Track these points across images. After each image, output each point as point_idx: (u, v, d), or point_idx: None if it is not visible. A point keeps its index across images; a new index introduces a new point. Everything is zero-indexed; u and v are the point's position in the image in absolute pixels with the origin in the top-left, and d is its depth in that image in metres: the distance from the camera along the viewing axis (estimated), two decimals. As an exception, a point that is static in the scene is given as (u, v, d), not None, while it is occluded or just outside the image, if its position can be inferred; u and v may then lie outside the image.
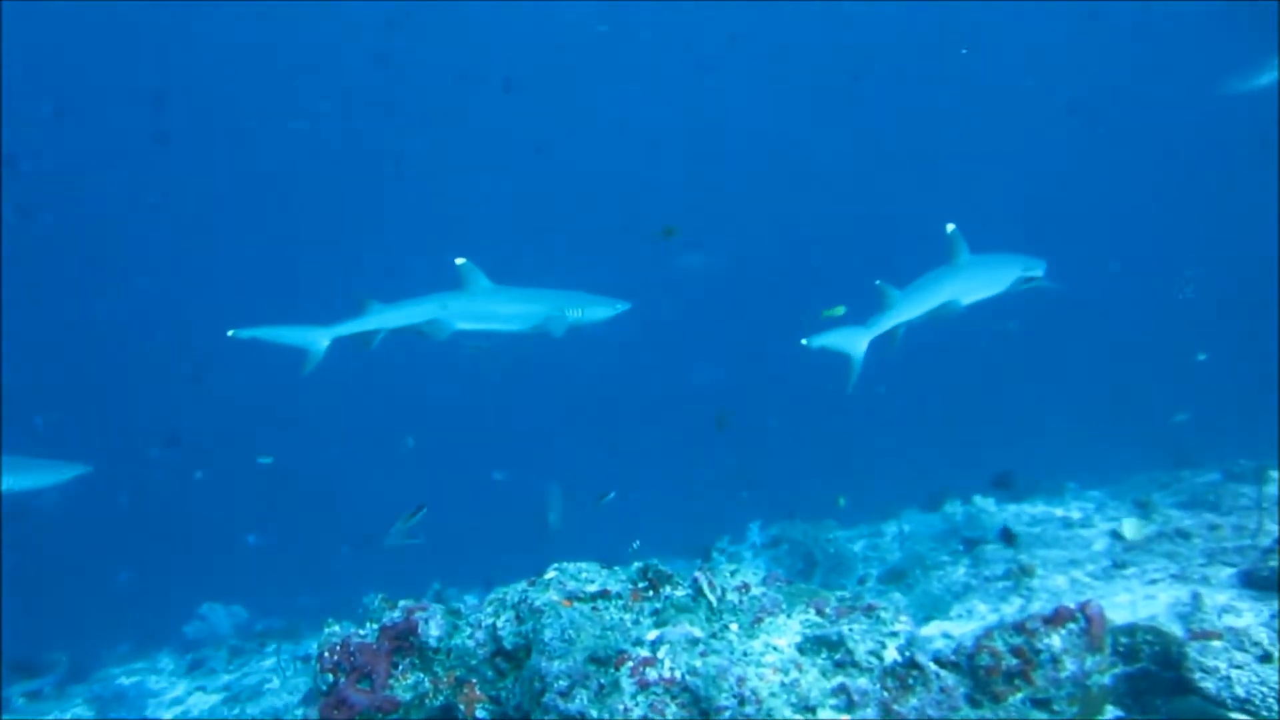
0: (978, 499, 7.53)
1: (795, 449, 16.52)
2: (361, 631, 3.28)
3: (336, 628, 3.31)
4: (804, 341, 6.55)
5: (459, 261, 7.51)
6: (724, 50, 24.61)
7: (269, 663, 7.46)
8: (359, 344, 7.30)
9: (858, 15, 24.21)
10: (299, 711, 5.68)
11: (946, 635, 4.82)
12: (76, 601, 12.45)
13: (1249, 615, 3.69)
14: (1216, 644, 2.91)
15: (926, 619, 5.22)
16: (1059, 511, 7.49)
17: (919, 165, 24.45)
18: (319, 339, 7.16)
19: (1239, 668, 2.84)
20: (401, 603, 3.38)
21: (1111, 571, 5.24)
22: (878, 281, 6.84)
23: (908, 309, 6.74)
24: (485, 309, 7.40)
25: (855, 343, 6.60)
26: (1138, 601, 4.47)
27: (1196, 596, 3.77)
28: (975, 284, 7.04)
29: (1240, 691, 2.83)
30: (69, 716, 6.58)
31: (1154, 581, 4.76)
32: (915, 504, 8.71)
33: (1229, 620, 3.20)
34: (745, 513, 9.48)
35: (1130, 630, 3.08)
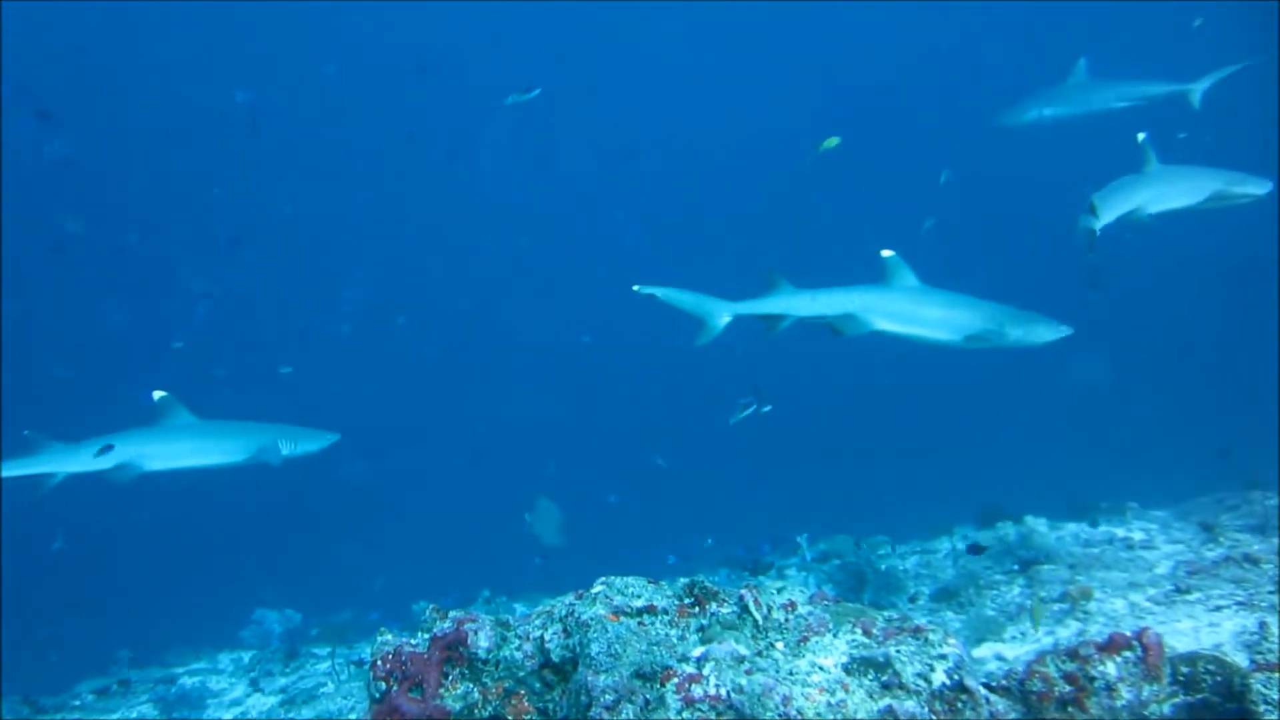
0: (1029, 518, 7.35)
1: (849, 461, 16.34)
2: (413, 641, 3.38)
3: (389, 636, 3.41)
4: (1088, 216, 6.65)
5: (886, 254, 6.78)
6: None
7: (324, 665, 7.68)
8: (764, 326, 6.73)
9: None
10: (353, 716, 5.84)
11: (999, 657, 4.72)
12: (140, 601, 12.99)
13: (1320, 646, 3.54)
14: (1283, 676, 2.81)
15: (979, 640, 5.12)
16: (1120, 532, 7.25)
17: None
18: (720, 312, 6.69)
19: (1306, 702, 2.74)
20: (452, 613, 3.46)
21: (1174, 596, 5.06)
22: (1085, 190, 6.89)
23: (1111, 211, 6.71)
24: (910, 310, 6.61)
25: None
26: (1201, 629, 4.32)
27: (1263, 625, 3.63)
28: (1164, 194, 6.85)
29: (1308, 726, 2.73)
30: (135, 715, 6.87)
31: (1219, 608, 4.59)
32: (969, 521, 8.54)
33: (1300, 651, 3.08)
34: (794, 525, 9.40)
35: (1191, 659, 2.98)
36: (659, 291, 6.70)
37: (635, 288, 6.65)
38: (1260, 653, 3.05)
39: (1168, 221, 7.06)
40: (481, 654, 3.29)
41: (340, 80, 25.30)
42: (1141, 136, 6.92)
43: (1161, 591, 5.20)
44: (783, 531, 9.25)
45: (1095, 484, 8.77)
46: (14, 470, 7.21)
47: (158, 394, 7.78)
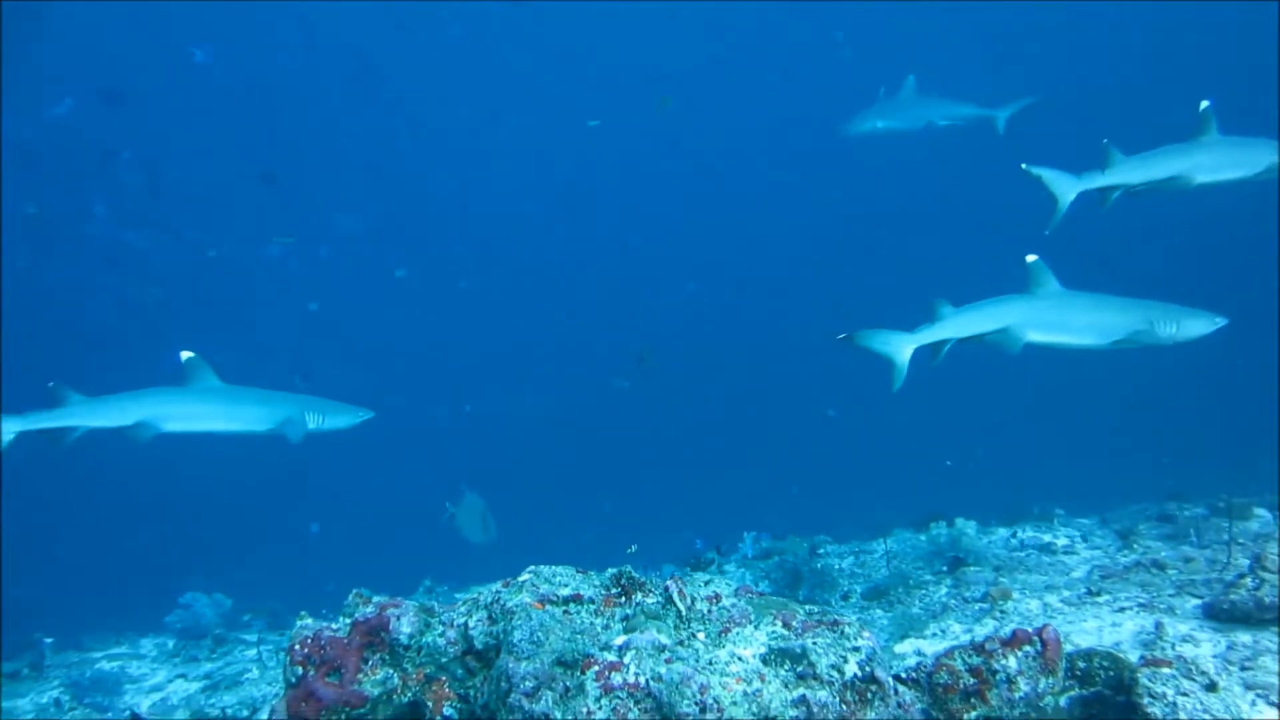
0: (959, 521, 7.59)
1: (799, 465, 16.63)
2: (334, 626, 3.34)
3: (309, 620, 3.36)
4: (1023, 166, 6.56)
5: (1030, 259, 6.35)
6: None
7: (253, 652, 7.52)
8: (929, 353, 6.36)
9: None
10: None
11: (919, 653, 4.87)
12: (59, 584, 12.52)
13: (1207, 645, 3.75)
14: (1166, 671, 2.98)
15: (903, 636, 5.27)
16: (1046, 537, 7.55)
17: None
18: (904, 346, 6.27)
19: (1185, 695, 2.91)
20: (375, 599, 3.43)
21: (1085, 598, 5.28)
22: (1105, 140, 6.60)
23: (1128, 174, 6.49)
24: (1058, 318, 6.21)
25: (1067, 187, 6.55)
26: (1104, 628, 4.51)
27: (1159, 625, 3.82)
28: (1213, 162, 6.62)
29: (1184, 717, 2.90)
30: (45, 699, 6.63)
31: (1122, 610, 4.81)
32: (908, 524, 8.77)
33: (1188, 649, 3.25)
34: (740, 525, 9.52)
35: (1088, 655, 3.13)
36: (857, 336, 6.27)
37: (840, 337, 6.23)
38: (1152, 649, 3.22)
39: (1221, 194, 6.69)
40: (404, 640, 3.27)
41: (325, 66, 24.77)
42: (1205, 104, 6.70)
43: (1075, 594, 5.42)
44: (733, 531, 9.38)
45: (1036, 491, 9.09)
46: (37, 423, 7.01)
47: (185, 354, 7.50)
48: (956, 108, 12.74)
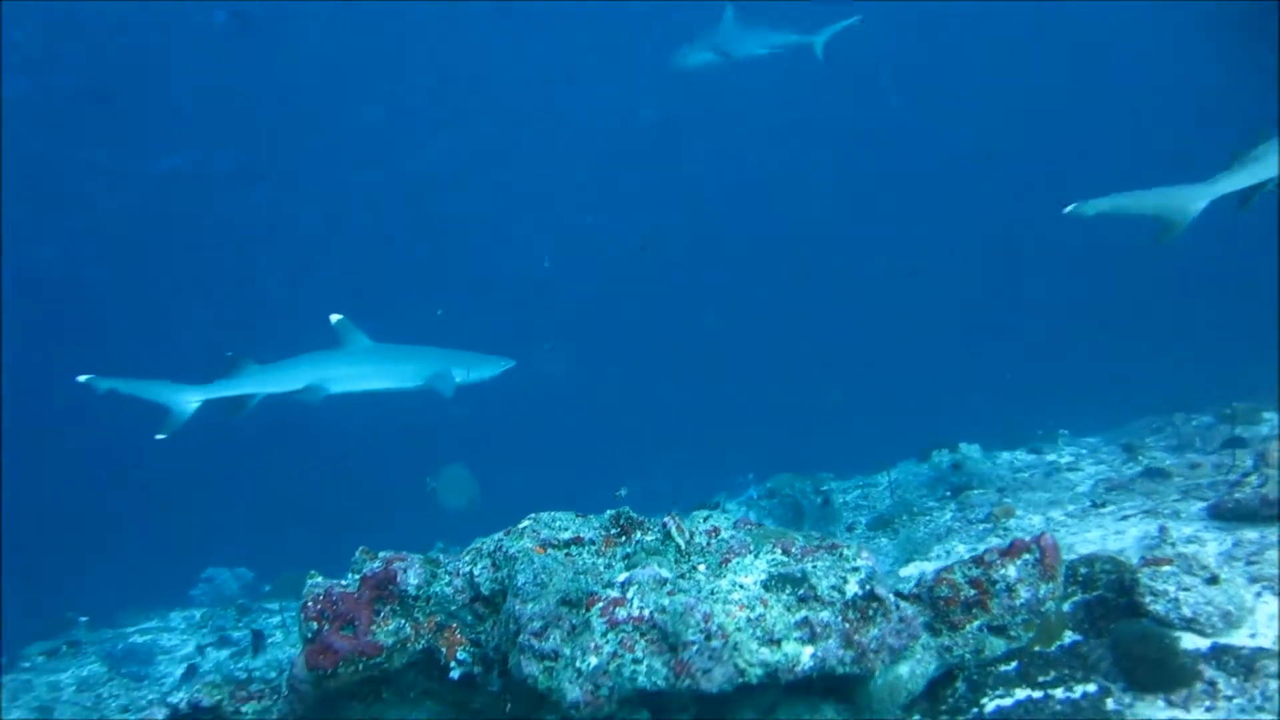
0: (963, 446, 7.60)
1: (805, 405, 16.69)
2: (343, 582, 3.39)
3: (319, 579, 3.41)
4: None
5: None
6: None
7: (276, 619, 7.72)
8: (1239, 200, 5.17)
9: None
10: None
11: (924, 574, 4.91)
12: (91, 567, 12.82)
13: (1212, 545, 3.76)
14: (1167, 569, 2.99)
15: (908, 560, 5.32)
16: (1050, 456, 7.55)
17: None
18: (1186, 203, 5.21)
19: (1187, 590, 2.93)
20: (381, 553, 3.48)
21: (1089, 510, 5.30)
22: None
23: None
24: None
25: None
26: (1108, 536, 4.53)
27: (1163, 529, 3.83)
28: None
29: (1187, 612, 2.93)
30: (85, 672, 6.86)
31: (1126, 518, 4.82)
32: (912, 456, 8.78)
33: (1192, 549, 3.27)
34: (745, 467, 9.56)
35: (1089, 560, 3.16)
36: (1103, 203, 5.40)
37: (1066, 209, 5.40)
38: (1155, 552, 3.23)
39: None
40: (412, 590, 3.32)
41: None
42: None
43: (1079, 507, 5.43)
44: (732, 474, 9.42)
45: (1042, 414, 9.07)
46: (220, 392, 7.31)
47: (335, 317, 7.70)
48: (775, 36, 12.99)
